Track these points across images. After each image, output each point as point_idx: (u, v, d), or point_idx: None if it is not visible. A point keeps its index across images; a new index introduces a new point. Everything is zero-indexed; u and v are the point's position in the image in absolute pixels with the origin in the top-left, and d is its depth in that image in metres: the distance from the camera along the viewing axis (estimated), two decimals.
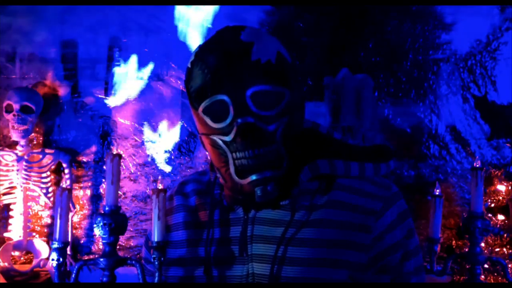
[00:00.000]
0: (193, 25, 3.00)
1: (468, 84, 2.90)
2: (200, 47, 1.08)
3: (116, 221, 1.31)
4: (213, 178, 1.17)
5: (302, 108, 1.13)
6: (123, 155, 2.99)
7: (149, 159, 3.01)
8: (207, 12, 2.98)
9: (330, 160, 1.11)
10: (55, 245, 1.33)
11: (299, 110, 1.11)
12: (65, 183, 2.92)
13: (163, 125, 3.02)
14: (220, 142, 1.06)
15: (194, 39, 2.97)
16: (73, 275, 1.30)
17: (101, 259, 1.32)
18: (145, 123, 3.03)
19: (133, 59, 3.04)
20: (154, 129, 3.02)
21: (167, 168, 3.00)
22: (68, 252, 2.73)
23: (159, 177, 1.50)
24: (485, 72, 2.88)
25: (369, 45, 2.94)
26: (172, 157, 3.01)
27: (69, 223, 1.40)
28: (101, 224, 1.29)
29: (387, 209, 1.09)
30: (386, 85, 2.93)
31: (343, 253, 1.05)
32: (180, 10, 3.00)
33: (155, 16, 3.01)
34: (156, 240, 1.16)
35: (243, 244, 1.09)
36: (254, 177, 1.04)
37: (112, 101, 3.04)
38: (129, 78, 3.04)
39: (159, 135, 3.02)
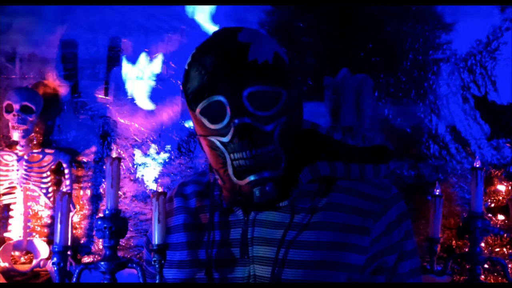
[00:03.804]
0: (193, 25, 3.00)
1: (468, 84, 2.90)
2: (197, 48, 1.08)
3: (116, 225, 1.31)
4: (212, 179, 1.17)
5: (300, 109, 1.13)
6: (123, 155, 2.99)
7: (149, 159, 3.01)
8: (207, 12, 2.98)
9: (330, 162, 1.11)
10: (56, 249, 1.33)
11: (296, 110, 1.11)
12: (65, 184, 2.92)
13: (162, 125, 3.02)
14: (218, 143, 1.06)
15: (194, 39, 2.97)
16: (74, 279, 1.30)
17: (102, 263, 1.33)
18: (145, 122, 3.03)
19: (133, 59, 3.04)
20: (154, 129, 3.02)
21: (167, 168, 3.00)
22: (68, 252, 2.73)
23: (159, 180, 1.50)
24: (485, 72, 2.88)
25: (369, 45, 2.94)
26: (172, 157, 3.01)
27: (69, 224, 1.40)
28: (102, 227, 1.29)
29: (386, 211, 1.10)
30: (386, 85, 2.93)
31: (342, 256, 1.05)
32: (180, 10, 2.99)
33: (155, 16, 3.01)
34: (156, 243, 1.17)
35: (244, 246, 1.09)
36: (252, 178, 1.04)
37: (112, 101, 3.04)
38: (129, 78, 3.04)
39: (159, 135, 3.02)
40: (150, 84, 3.04)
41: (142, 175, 3.00)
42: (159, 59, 3.04)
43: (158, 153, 3.01)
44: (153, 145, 3.01)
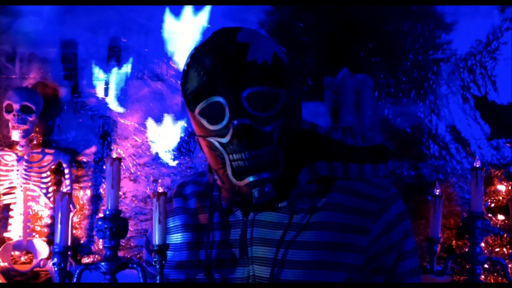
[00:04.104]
0: (193, 25, 3.00)
1: (468, 84, 2.90)
2: (195, 49, 1.08)
3: (117, 225, 1.31)
4: (211, 180, 1.17)
5: (298, 109, 1.13)
6: (123, 155, 2.99)
7: (149, 159, 3.01)
8: (206, 12, 2.98)
9: (329, 162, 1.11)
10: (56, 249, 1.33)
11: (295, 111, 1.11)
12: (65, 184, 2.92)
13: (163, 125, 3.02)
14: (217, 144, 1.05)
15: (193, 39, 2.97)
16: (74, 280, 1.30)
17: (102, 263, 1.33)
18: (145, 123, 3.03)
19: (133, 59, 3.04)
20: (154, 129, 3.02)
21: (167, 168, 3.00)
22: (68, 253, 2.73)
23: (159, 180, 1.50)
24: (485, 72, 2.88)
25: (369, 45, 2.94)
26: (172, 157, 3.01)
27: (70, 224, 1.40)
28: (102, 228, 1.29)
29: (385, 211, 1.10)
30: (386, 85, 2.93)
31: (342, 256, 1.05)
32: (180, 10, 2.99)
33: (155, 16, 3.01)
34: (157, 243, 1.16)
35: (243, 246, 1.09)
36: (251, 179, 1.04)
37: (112, 101, 3.04)
38: (129, 78, 3.04)
39: (159, 135, 3.02)
40: (150, 84, 3.04)
41: (142, 175, 3.00)
42: (158, 59, 3.04)
43: (158, 153, 3.01)
44: (153, 145, 3.02)
